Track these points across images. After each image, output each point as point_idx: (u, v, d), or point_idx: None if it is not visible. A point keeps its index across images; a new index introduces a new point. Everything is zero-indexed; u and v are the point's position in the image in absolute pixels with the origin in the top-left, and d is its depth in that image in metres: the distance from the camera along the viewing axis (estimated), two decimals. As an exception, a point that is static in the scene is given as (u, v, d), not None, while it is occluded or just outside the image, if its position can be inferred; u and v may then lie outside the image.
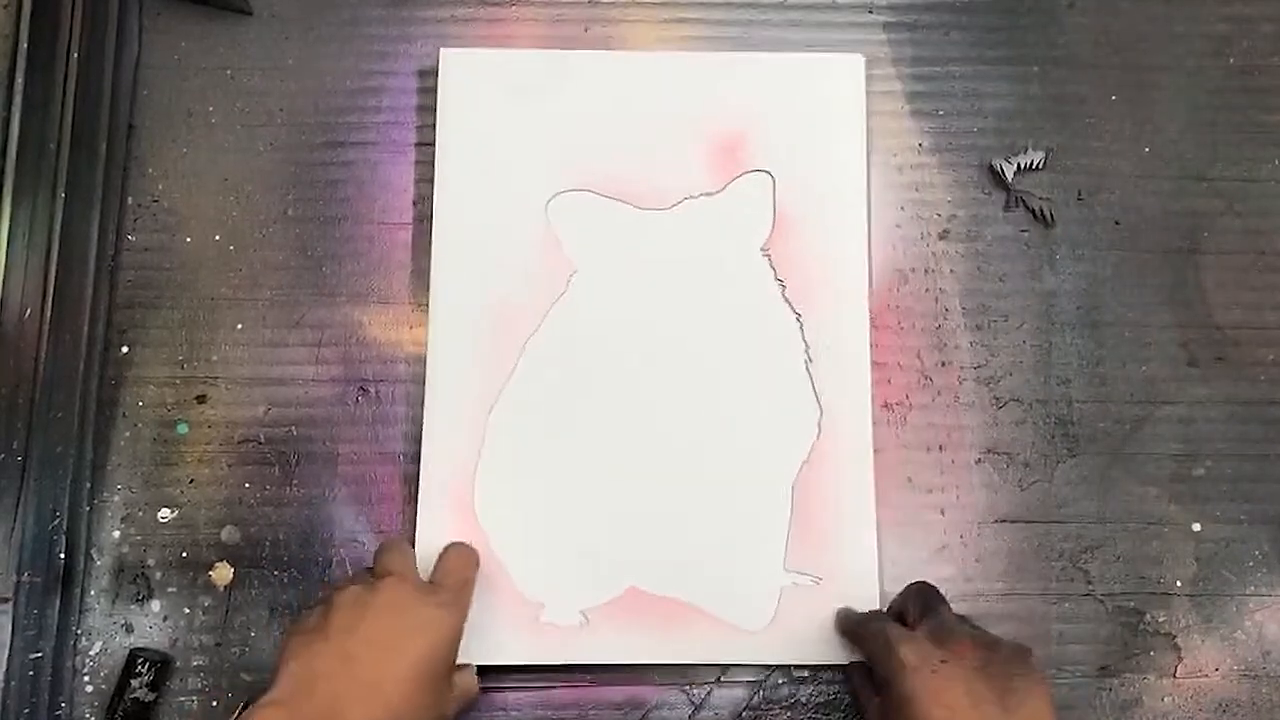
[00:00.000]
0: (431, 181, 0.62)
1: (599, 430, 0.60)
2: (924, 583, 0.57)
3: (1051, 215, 0.63)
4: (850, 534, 0.59)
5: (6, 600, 0.56)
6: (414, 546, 0.58)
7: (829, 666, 0.59)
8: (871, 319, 0.61)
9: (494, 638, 0.57)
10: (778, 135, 0.63)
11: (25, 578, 0.57)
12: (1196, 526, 0.61)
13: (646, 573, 0.58)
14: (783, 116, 0.63)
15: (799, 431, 0.60)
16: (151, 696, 0.57)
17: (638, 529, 0.59)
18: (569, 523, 0.59)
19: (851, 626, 0.56)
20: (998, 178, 0.64)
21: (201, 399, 0.61)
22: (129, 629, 0.58)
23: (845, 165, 0.63)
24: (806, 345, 0.61)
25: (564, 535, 0.59)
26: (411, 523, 0.59)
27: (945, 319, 0.63)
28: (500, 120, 0.63)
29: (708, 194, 0.62)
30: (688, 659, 0.58)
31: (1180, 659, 0.60)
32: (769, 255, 0.62)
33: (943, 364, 0.62)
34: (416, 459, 0.60)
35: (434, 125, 0.63)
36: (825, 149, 0.63)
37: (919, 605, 0.54)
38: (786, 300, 0.61)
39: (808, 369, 0.61)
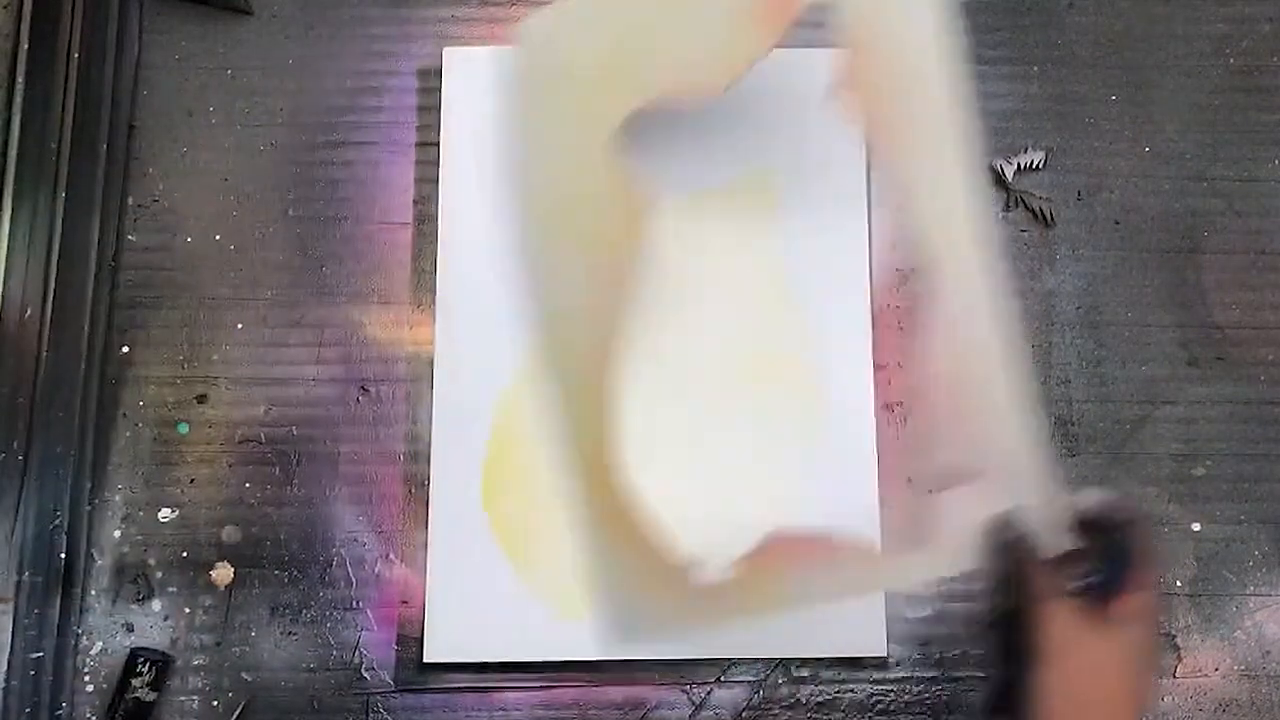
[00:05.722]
0: (432, 181, 0.62)
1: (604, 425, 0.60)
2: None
3: (1051, 215, 0.63)
4: (853, 530, 0.59)
5: (7, 600, 0.56)
6: (425, 544, 0.58)
7: (831, 664, 0.59)
8: (872, 319, 0.61)
9: (499, 635, 0.57)
10: (778, 131, 0.63)
11: (26, 577, 0.56)
12: (1196, 526, 0.61)
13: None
14: (782, 112, 0.63)
15: (805, 426, 0.60)
16: (152, 696, 0.57)
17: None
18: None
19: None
20: (998, 178, 0.64)
21: (202, 399, 0.61)
22: (129, 629, 0.58)
23: (845, 160, 0.63)
24: (810, 340, 0.61)
25: (571, 529, 0.59)
26: (412, 521, 0.59)
27: (945, 319, 0.63)
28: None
29: (711, 189, 0.62)
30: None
31: (1180, 659, 0.60)
32: (771, 250, 0.62)
33: (943, 364, 0.62)
34: (416, 458, 0.60)
35: (434, 125, 0.63)
36: (825, 144, 0.63)
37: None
38: (790, 295, 0.61)
39: (812, 364, 0.61)
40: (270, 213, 0.63)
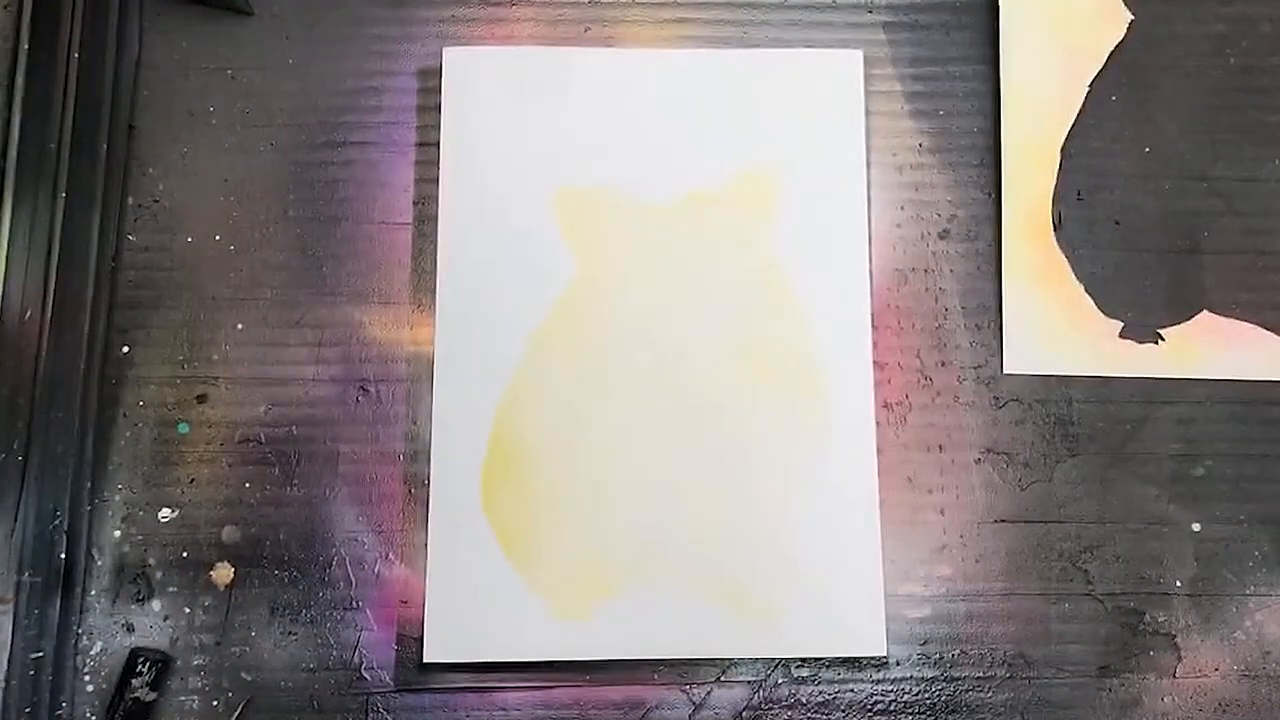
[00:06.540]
0: (432, 181, 0.62)
1: (605, 425, 0.60)
2: None
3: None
4: (853, 532, 0.59)
5: (7, 600, 0.56)
6: (425, 544, 0.58)
7: (831, 664, 0.59)
8: (872, 319, 0.61)
9: (499, 634, 0.57)
10: (778, 131, 0.63)
11: (26, 577, 0.57)
12: (1196, 526, 0.61)
13: (657, 568, 0.58)
14: (782, 112, 0.63)
15: (803, 426, 0.60)
16: (152, 696, 0.57)
17: (645, 524, 0.59)
18: (576, 517, 0.59)
19: None
20: (998, 177, 0.64)
21: (202, 399, 0.61)
22: (129, 628, 0.58)
23: (845, 160, 0.63)
24: (810, 340, 0.61)
25: (571, 529, 0.59)
26: (411, 521, 0.59)
27: (945, 319, 0.63)
28: (504, 117, 0.63)
29: (711, 189, 0.62)
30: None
31: (1180, 659, 0.60)
32: (771, 249, 0.62)
33: (943, 364, 0.62)
34: (416, 458, 0.60)
35: (434, 125, 0.63)
36: (825, 144, 0.63)
37: None
38: (790, 295, 0.61)
39: (812, 364, 0.61)
40: (270, 213, 0.63)
